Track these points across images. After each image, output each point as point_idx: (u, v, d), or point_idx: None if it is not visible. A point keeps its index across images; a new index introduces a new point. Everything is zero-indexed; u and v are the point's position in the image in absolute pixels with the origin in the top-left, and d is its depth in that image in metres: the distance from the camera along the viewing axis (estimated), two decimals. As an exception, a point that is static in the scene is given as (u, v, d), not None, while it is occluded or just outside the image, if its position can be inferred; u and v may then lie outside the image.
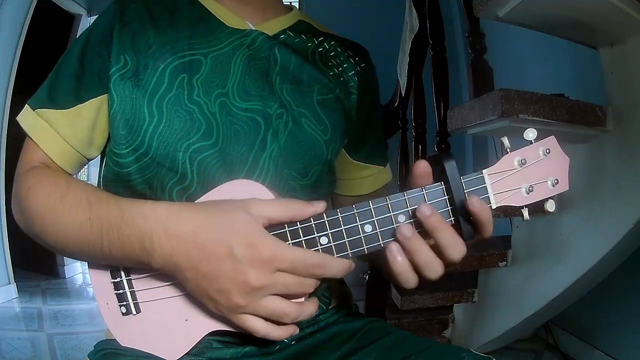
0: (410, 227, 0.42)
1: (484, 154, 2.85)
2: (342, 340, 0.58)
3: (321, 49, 0.64)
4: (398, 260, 0.43)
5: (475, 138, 2.80)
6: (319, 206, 0.44)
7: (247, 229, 0.42)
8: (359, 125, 0.65)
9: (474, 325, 1.57)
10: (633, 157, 1.04)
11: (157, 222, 0.44)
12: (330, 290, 0.64)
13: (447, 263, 0.43)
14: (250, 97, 0.56)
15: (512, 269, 1.42)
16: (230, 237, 0.42)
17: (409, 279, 0.44)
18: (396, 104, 1.93)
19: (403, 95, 1.81)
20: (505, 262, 1.42)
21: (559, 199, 1.24)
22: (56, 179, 0.52)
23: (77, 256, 0.51)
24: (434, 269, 0.43)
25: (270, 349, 0.56)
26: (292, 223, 0.45)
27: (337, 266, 0.44)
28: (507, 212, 1.17)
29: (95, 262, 0.51)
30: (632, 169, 1.04)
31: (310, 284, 0.44)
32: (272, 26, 0.61)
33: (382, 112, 2.17)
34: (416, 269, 0.43)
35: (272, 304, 0.43)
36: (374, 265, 0.52)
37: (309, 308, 0.45)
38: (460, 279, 1.57)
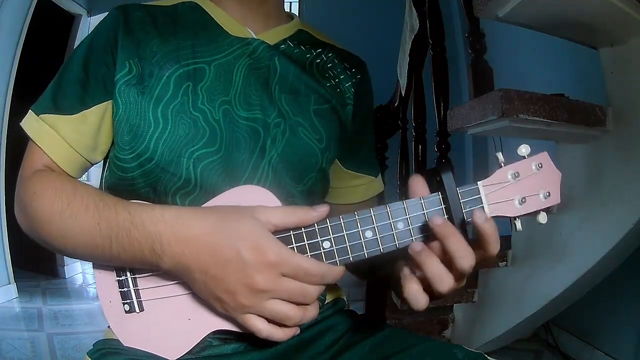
0: (420, 243, 0.43)
1: (484, 154, 2.85)
2: (337, 336, 0.60)
3: (319, 60, 0.65)
4: (412, 286, 0.44)
5: (475, 138, 2.80)
6: (322, 210, 0.46)
7: (254, 233, 0.44)
8: (353, 135, 0.67)
9: (474, 325, 1.57)
10: (633, 157, 1.04)
11: (167, 226, 0.45)
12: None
13: (457, 274, 0.43)
14: (252, 106, 0.57)
15: (512, 269, 1.42)
16: (238, 241, 0.43)
17: (420, 301, 0.44)
18: (396, 104, 1.93)
19: (403, 95, 1.82)
20: (505, 262, 1.42)
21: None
22: (62, 183, 0.52)
23: (84, 258, 0.52)
24: (444, 280, 0.43)
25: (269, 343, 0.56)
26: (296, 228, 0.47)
27: (334, 274, 0.46)
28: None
29: (103, 263, 0.52)
30: (632, 169, 1.04)
31: (313, 294, 0.45)
32: (273, 35, 0.62)
33: (382, 112, 2.17)
34: (427, 283, 0.43)
35: (277, 306, 0.45)
36: (384, 281, 0.56)
37: (311, 312, 0.47)
38: (460, 279, 1.57)
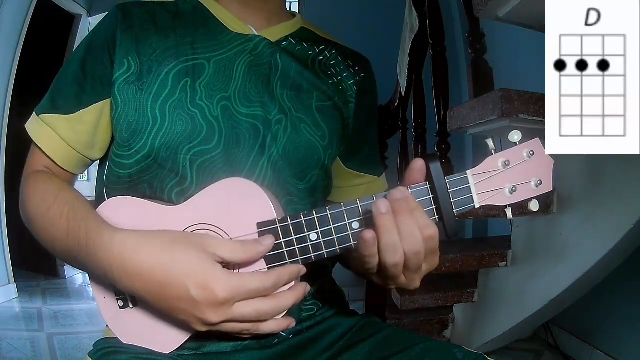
0: (387, 204, 0.41)
1: (484, 154, 2.85)
2: (338, 336, 0.59)
3: (321, 57, 0.65)
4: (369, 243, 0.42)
5: (475, 138, 2.79)
6: (268, 244, 0.45)
7: (201, 268, 0.43)
8: (355, 134, 0.66)
9: (474, 325, 1.57)
10: (633, 157, 1.04)
11: (116, 258, 0.45)
12: (324, 288, 0.65)
13: (408, 261, 0.42)
14: (252, 102, 0.56)
15: (512, 269, 1.42)
16: (186, 277, 0.43)
17: (372, 262, 0.43)
18: (396, 104, 1.93)
19: (403, 95, 1.82)
20: (505, 262, 1.41)
21: (559, 199, 1.24)
22: (47, 188, 0.54)
23: (65, 261, 0.54)
24: (397, 250, 0.42)
25: (269, 342, 0.57)
26: (283, 220, 0.46)
27: (288, 276, 0.46)
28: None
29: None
30: (632, 169, 1.04)
31: (269, 307, 0.45)
32: (275, 32, 0.62)
33: (382, 112, 2.17)
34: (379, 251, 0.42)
35: (237, 326, 0.45)
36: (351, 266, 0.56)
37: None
38: (460, 279, 1.57)
